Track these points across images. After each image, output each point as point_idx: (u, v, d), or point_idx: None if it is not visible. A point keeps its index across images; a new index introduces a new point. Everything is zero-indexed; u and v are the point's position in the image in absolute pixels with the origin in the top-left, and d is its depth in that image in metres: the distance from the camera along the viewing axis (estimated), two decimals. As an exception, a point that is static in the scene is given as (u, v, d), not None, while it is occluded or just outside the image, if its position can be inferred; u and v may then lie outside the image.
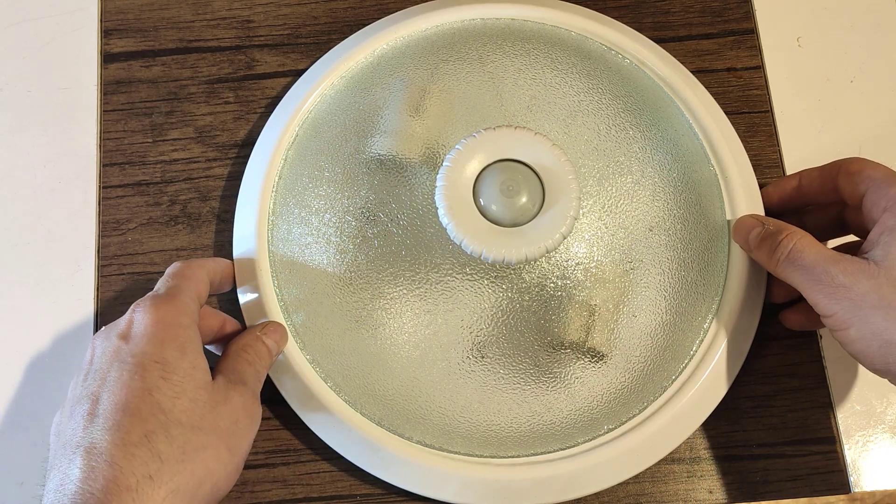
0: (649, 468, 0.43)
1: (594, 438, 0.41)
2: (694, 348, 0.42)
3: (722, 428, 0.44)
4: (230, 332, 0.42)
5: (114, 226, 0.47)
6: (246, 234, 0.44)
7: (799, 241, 0.38)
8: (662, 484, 0.43)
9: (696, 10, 0.51)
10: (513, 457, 0.41)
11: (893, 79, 0.49)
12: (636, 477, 0.43)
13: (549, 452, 0.41)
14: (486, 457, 0.41)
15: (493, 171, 0.39)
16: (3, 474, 0.44)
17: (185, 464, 0.33)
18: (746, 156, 0.45)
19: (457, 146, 0.39)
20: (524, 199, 0.39)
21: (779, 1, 0.51)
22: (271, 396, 0.44)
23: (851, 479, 0.43)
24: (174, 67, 0.49)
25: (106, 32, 0.50)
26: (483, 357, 0.42)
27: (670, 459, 0.44)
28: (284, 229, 0.44)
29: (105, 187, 0.48)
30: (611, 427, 0.42)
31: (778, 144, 0.48)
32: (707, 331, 0.43)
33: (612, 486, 0.43)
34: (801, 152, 0.48)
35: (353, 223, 0.43)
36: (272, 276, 0.43)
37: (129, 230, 0.47)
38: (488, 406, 0.42)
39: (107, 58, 0.50)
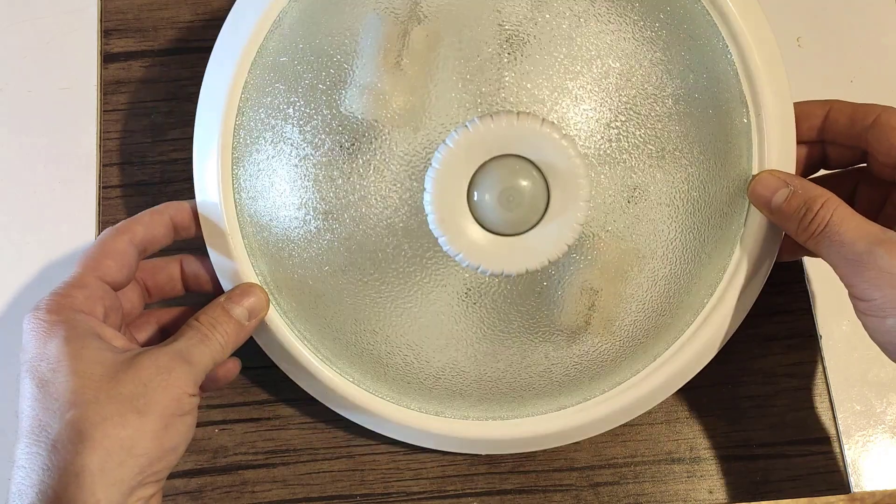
0: (650, 469, 0.43)
1: (586, 400, 0.41)
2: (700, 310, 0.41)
3: (722, 428, 0.44)
4: (190, 272, 0.41)
5: (114, 226, 0.47)
6: (209, 185, 0.40)
7: (836, 212, 0.35)
8: (662, 484, 0.43)
9: (696, 10, 0.51)
10: (508, 418, 0.41)
11: (893, 79, 0.49)
12: (636, 477, 0.43)
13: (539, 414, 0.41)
14: (484, 419, 0.41)
15: (491, 170, 0.35)
16: (3, 475, 0.44)
17: (85, 443, 0.32)
18: (789, 88, 0.39)
19: (446, 141, 0.35)
20: (525, 206, 0.35)
21: (779, 1, 0.51)
22: (272, 397, 0.44)
23: (851, 479, 0.43)
24: (174, 67, 0.49)
25: (106, 32, 0.50)
26: (474, 295, 0.39)
27: (670, 459, 0.44)
28: (249, 185, 0.40)
29: (105, 187, 0.48)
30: (605, 389, 0.41)
31: (778, 144, 0.48)
32: (707, 303, 0.40)
33: (613, 486, 0.43)
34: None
35: (322, 225, 0.39)
36: (242, 235, 0.40)
37: (129, 230, 0.47)
38: (482, 369, 0.41)
39: (107, 58, 0.50)
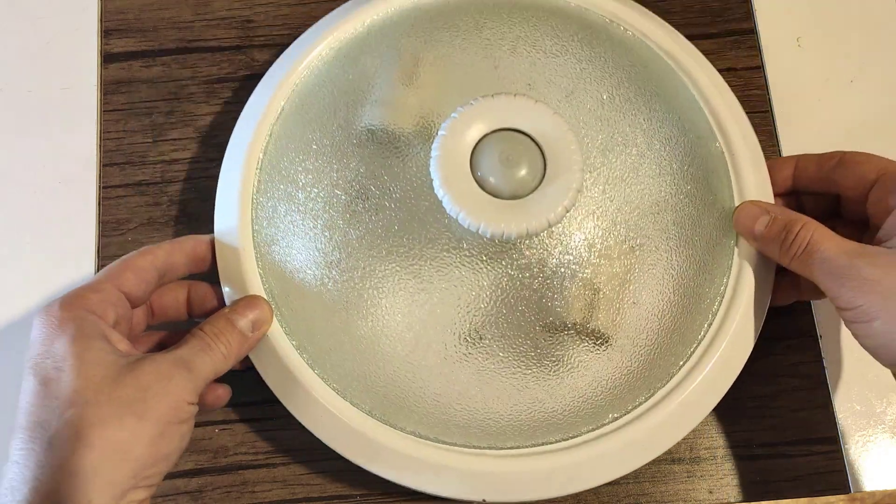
0: (649, 469, 0.43)
1: (598, 428, 0.40)
2: (703, 331, 0.41)
3: (722, 428, 0.44)
4: (200, 295, 0.42)
5: (114, 226, 0.47)
6: (228, 212, 0.42)
7: (815, 232, 0.37)
8: (662, 484, 0.43)
9: (695, 10, 0.51)
10: (512, 448, 0.40)
11: (893, 79, 0.49)
12: (636, 477, 0.43)
13: (550, 443, 0.40)
14: (483, 448, 0.40)
15: (492, 140, 0.38)
16: (3, 474, 0.44)
17: (81, 443, 0.32)
18: (753, 132, 0.44)
19: (453, 114, 0.38)
20: (524, 171, 0.37)
21: (779, 1, 0.51)
22: (271, 397, 0.44)
23: (851, 479, 0.43)
24: (174, 67, 0.49)
25: (106, 32, 0.50)
26: (481, 339, 0.39)
27: (670, 459, 0.44)
28: (269, 206, 0.42)
29: (105, 187, 0.48)
30: (616, 416, 0.40)
31: (778, 145, 0.48)
32: (716, 313, 0.41)
33: (613, 486, 0.43)
34: (800, 152, 0.48)
35: (343, 197, 0.41)
36: (255, 256, 0.41)
37: (129, 230, 0.47)
38: (486, 393, 0.40)
39: (107, 58, 0.50)
